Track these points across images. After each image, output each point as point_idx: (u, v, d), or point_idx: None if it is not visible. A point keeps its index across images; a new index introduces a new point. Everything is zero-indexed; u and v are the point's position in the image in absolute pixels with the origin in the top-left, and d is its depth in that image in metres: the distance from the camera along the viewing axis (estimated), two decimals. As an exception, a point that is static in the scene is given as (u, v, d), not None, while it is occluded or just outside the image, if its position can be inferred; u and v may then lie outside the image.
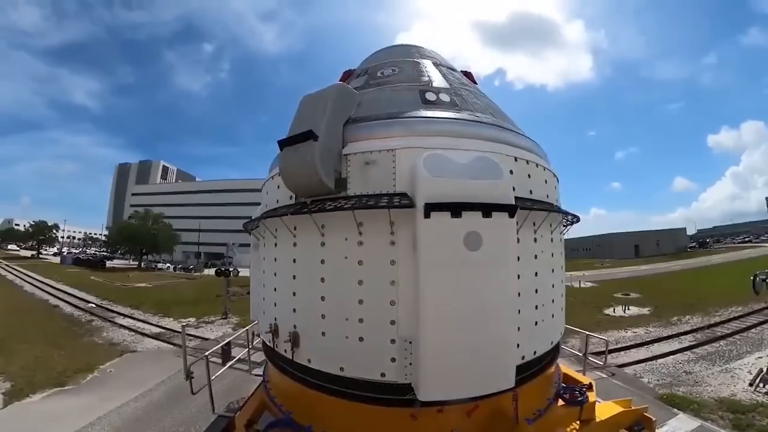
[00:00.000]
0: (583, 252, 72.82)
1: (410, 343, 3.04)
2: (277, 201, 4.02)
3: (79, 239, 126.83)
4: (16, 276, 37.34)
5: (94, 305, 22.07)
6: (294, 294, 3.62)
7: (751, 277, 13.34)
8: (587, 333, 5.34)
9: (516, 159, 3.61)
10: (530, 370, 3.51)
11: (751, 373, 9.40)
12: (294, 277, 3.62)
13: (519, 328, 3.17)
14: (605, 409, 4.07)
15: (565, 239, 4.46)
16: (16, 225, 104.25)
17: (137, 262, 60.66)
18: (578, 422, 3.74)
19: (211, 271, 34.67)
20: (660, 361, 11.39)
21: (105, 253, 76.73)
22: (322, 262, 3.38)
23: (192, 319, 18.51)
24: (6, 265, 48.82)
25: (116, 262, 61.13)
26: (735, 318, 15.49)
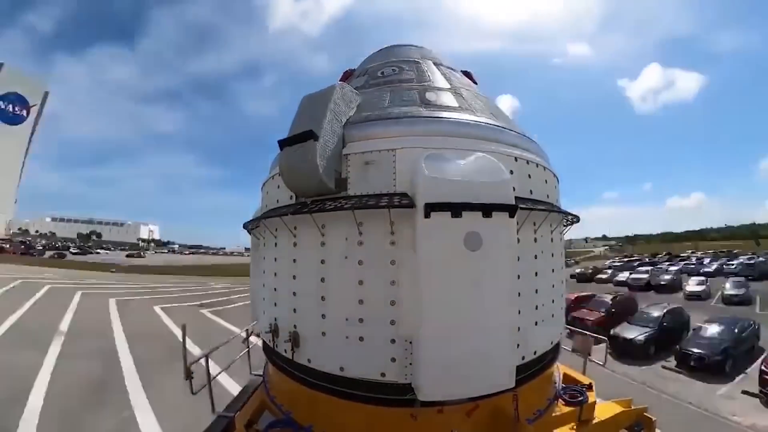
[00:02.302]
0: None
1: (410, 343, 3.04)
2: (277, 201, 4.02)
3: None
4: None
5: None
6: (294, 294, 3.62)
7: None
8: (588, 333, 5.34)
9: (516, 159, 3.61)
10: (530, 370, 3.51)
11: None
12: (294, 277, 3.63)
13: (519, 328, 3.17)
14: (605, 409, 4.07)
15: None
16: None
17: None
18: (578, 422, 3.74)
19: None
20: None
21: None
22: (323, 262, 3.38)
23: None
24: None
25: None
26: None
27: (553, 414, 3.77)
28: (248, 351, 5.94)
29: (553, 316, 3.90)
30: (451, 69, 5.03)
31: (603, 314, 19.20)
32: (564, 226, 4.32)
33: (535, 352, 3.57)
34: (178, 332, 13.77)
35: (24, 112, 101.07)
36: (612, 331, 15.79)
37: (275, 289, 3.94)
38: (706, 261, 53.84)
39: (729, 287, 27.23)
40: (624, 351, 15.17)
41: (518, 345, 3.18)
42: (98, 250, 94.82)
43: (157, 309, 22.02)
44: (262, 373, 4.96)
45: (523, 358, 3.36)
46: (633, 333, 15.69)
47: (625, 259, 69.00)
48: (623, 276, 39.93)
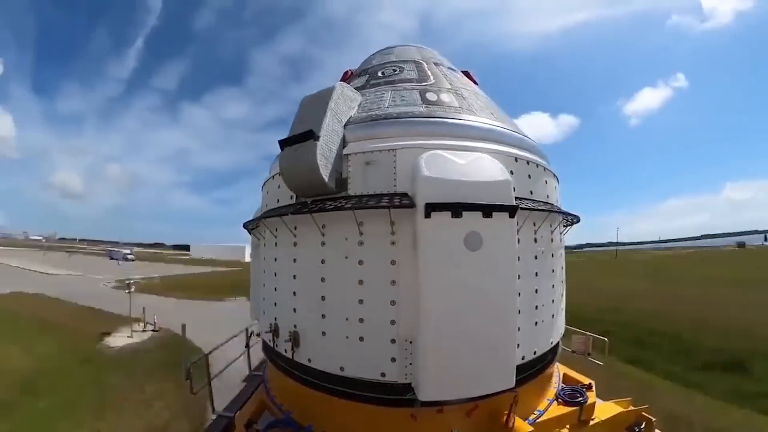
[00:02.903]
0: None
1: (410, 343, 3.04)
2: (278, 201, 4.02)
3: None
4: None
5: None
6: (294, 294, 3.61)
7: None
8: (588, 333, 5.33)
9: (516, 159, 3.61)
10: (530, 370, 3.51)
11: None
12: (294, 276, 3.62)
13: (519, 329, 3.17)
14: (605, 409, 4.07)
15: None
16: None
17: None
18: (578, 422, 3.74)
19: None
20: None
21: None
22: (323, 261, 3.38)
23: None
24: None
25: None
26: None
27: (553, 414, 3.77)
28: (248, 351, 5.94)
29: (553, 316, 3.90)
30: (452, 69, 5.03)
31: None
32: (564, 226, 4.32)
33: (535, 352, 3.57)
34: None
35: None
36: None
37: (275, 288, 3.94)
38: None
39: None
40: None
41: (518, 345, 3.18)
42: None
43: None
44: (262, 373, 4.96)
45: (523, 358, 3.36)
46: None
47: None
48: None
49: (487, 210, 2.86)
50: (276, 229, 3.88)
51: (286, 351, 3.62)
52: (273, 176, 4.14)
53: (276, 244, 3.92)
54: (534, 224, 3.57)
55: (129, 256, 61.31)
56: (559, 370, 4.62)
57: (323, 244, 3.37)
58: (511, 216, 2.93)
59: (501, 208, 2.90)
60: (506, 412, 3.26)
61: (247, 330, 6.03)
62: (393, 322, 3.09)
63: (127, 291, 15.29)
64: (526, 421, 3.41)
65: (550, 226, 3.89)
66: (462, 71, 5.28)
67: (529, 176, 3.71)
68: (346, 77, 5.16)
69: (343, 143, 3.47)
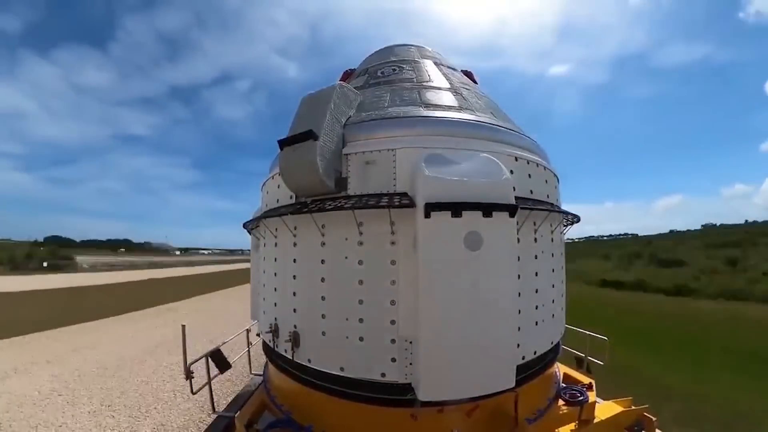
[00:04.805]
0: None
1: (410, 342, 3.04)
2: (278, 200, 4.02)
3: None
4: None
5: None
6: (294, 294, 3.62)
7: None
8: (589, 333, 5.34)
9: (516, 159, 3.61)
10: (530, 370, 3.51)
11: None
12: (294, 277, 3.62)
13: (519, 328, 3.17)
14: (605, 409, 4.07)
15: None
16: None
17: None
18: (578, 422, 3.74)
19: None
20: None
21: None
22: (323, 262, 3.38)
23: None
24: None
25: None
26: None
27: (554, 414, 3.77)
28: (248, 351, 5.94)
29: (553, 316, 3.90)
30: (452, 68, 5.02)
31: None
32: (564, 226, 4.32)
33: (535, 352, 3.57)
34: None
35: None
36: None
37: (275, 289, 3.94)
38: None
39: None
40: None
41: (518, 345, 3.18)
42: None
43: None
44: (262, 373, 4.96)
45: (523, 357, 3.36)
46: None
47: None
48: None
49: (487, 210, 2.85)
50: (276, 229, 3.88)
51: (286, 351, 3.62)
52: (273, 176, 4.14)
53: (276, 244, 3.92)
54: (534, 224, 3.57)
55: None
56: (559, 369, 4.62)
57: (323, 244, 3.37)
58: (511, 216, 2.93)
59: (501, 208, 2.90)
60: (512, 412, 3.26)
61: (247, 330, 6.04)
62: (393, 322, 3.09)
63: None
64: (527, 421, 3.40)
65: (550, 225, 3.88)
66: (462, 71, 5.28)
67: (529, 176, 3.71)
68: (346, 77, 5.16)
69: (343, 143, 3.46)
